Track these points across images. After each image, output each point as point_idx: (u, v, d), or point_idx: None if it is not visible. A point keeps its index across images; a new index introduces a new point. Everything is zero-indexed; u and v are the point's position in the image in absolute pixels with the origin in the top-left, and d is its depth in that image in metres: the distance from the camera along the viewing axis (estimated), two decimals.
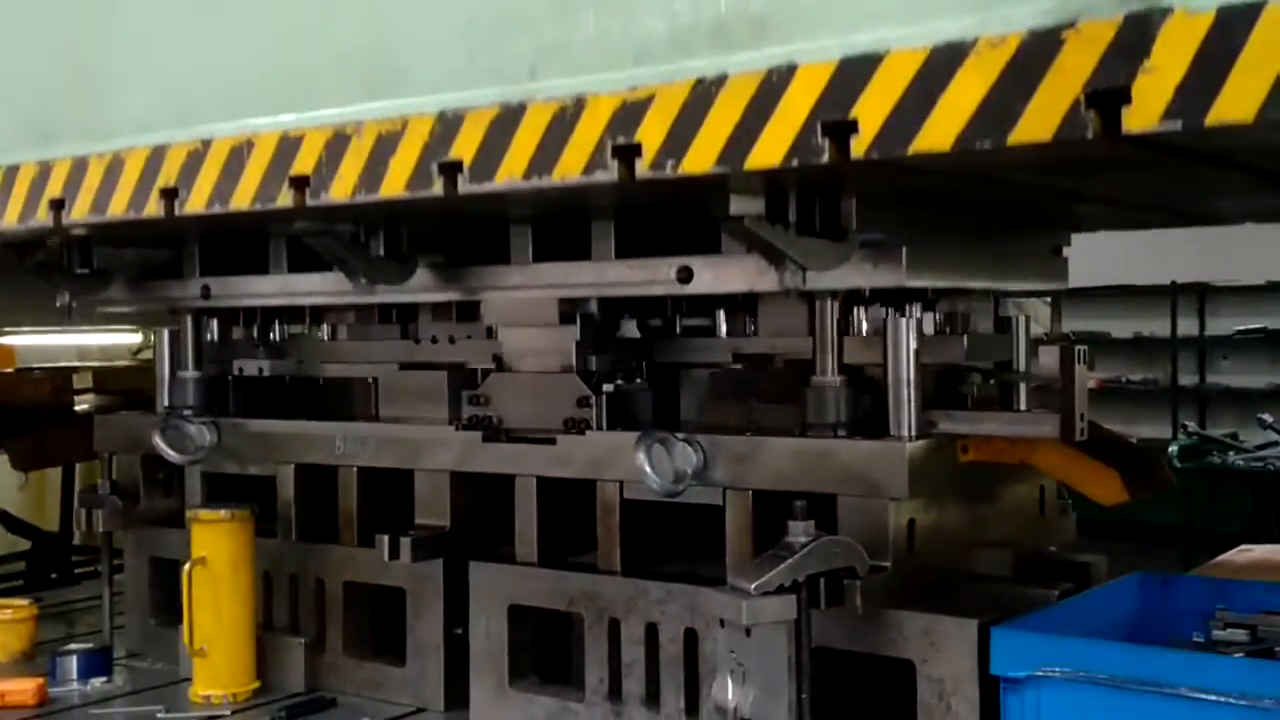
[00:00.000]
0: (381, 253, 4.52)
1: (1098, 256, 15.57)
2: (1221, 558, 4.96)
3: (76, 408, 7.05)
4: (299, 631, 5.11)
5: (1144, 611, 3.97)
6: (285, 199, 3.87)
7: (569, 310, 4.58)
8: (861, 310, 4.44)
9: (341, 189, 3.75)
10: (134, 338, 8.73)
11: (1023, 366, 4.52)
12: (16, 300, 6.41)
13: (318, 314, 5.59)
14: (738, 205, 3.50)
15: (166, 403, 5.50)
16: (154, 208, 4.17)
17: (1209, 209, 4.68)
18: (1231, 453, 10.34)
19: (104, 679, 5.14)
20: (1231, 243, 14.52)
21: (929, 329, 4.41)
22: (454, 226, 4.72)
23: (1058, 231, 4.77)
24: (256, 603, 5.02)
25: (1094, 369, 15.26)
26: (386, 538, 4.58)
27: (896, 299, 4.17)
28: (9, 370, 7.58)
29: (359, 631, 5.04)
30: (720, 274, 4.09)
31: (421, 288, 4.70)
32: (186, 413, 5.26)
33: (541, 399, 4.56)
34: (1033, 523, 4.48)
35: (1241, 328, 14.68)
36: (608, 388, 4.44)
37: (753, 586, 3.38)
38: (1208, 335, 15.13)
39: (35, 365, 7.79)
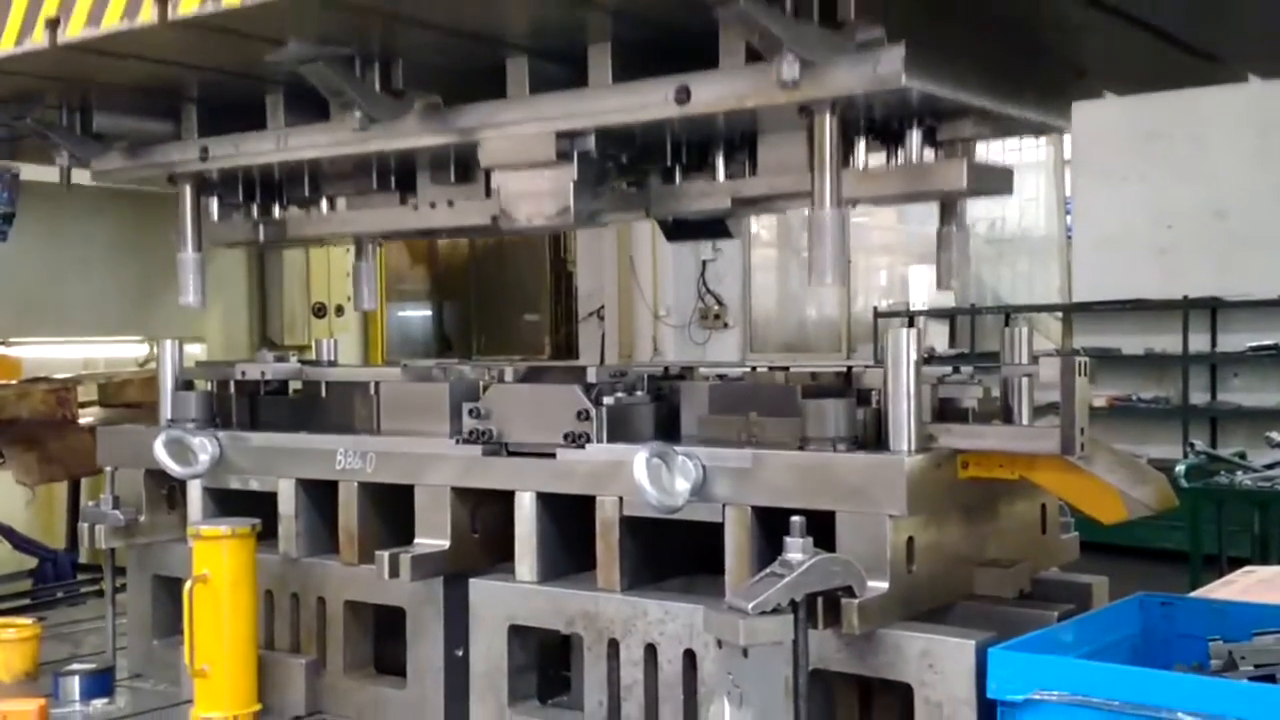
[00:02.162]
0: (376, 87, 4.47)
1: (1109, 271, 15.58)
2: (1225, 579, 4.93)
3: (81, 420, 7.04)
4: (300, 651, 5.10)
5: (1145, 634, 3.94)
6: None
7: (566, 148, 4.44)
8: (861, 142, 4.40)
9: None
10: (140, 349, 8.74)
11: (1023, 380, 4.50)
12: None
13: (317, 185, 5.55)
14: None
15: (169, 415, 5.50)
16: (148, 13, 4.06)
17: (1221, 41, 4.48)
18: (1240, 472, 10.26)
19: (106, 700, 5.14)
20: (1244, 257, 14.55)
21: (929, 156, 4.36)
22: (451, 63, 4.60)
23: (1063, 68, 4.62)
24: (258, 622, 5.00)
25: (1105, 387, 15.20)
26: (386, 555, 4.57)
27: (896, 133, 4.17)
28: (13, 382, 7.57)
29: (360, 652, 5.03)
30: (719, 88, 3.99)
31: (417, 131, 4.62)
32: (189, 425, 5.26)
33: (542, 413, 4.55)
34: (1034, 542, 4.45)
35: (1254, 344, 14.61)
36: (608, 401, 4.43)
37: (750, 606, 3.36)
38: (1219, 351, 15.06)
39: (40, 376, 7.77)
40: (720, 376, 4.95)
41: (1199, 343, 15.08)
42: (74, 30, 4.32)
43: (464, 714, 4.61)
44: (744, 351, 18.54)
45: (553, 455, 4.44)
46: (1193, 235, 14.87)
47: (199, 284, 5.45)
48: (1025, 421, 4.25)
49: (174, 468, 5.16)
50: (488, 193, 4.75)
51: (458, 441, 4.69)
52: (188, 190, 5.49)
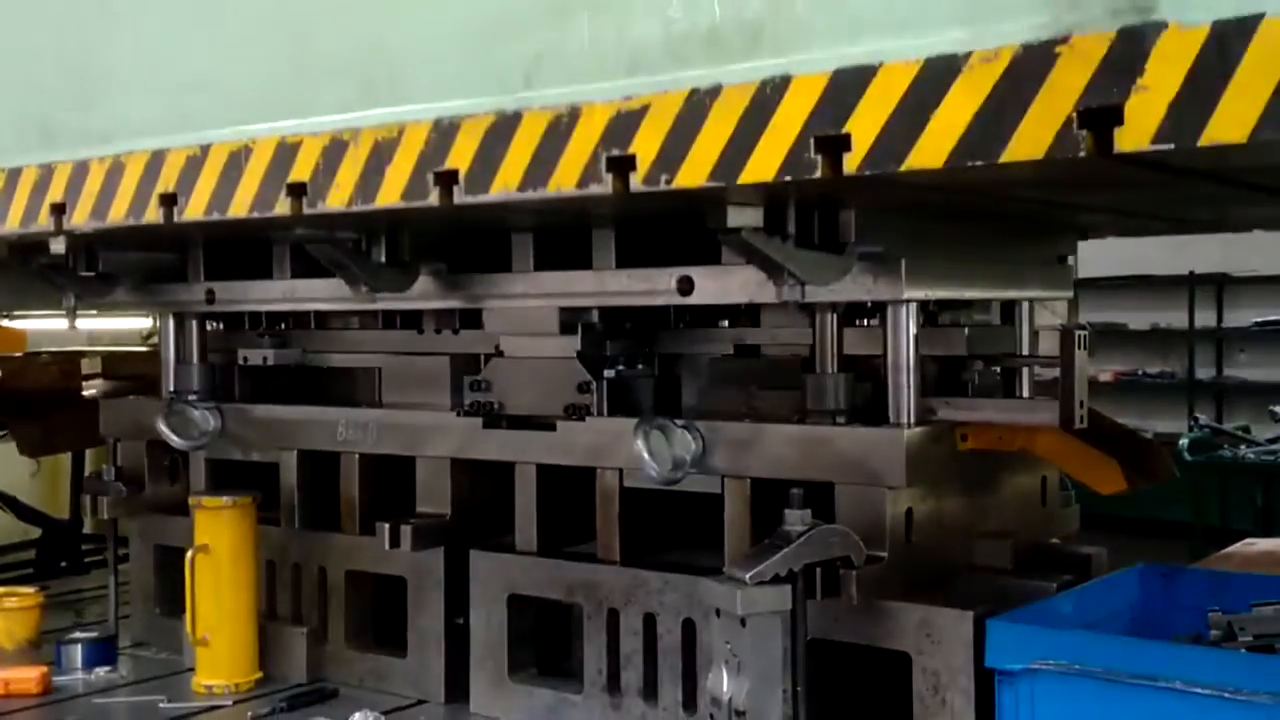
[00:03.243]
0: (383, 260, 4.51)
1: (1115, 247, 15.57)
2: (1227, 551, 4.93)
3: (85, 393, 7.04)
4: (301, 621, 5.12)
5: (1145, 605, 3.94)
6: (283, 206, 3.87)
7: (570, 320, 4.57)
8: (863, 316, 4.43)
9: (339, 197, 3.75)
10: (144, 322, 8.72)
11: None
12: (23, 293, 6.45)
13: (322, 316, 5.57)
14: (735, 217, 3.47)
15: (171, 388, 5.50)
16: (154, 214, 4.19)
17: (1217, 217, 4.64)
18: (1243, 446, 10.27)
19: (108, 668, 5.14)
20: (1250, 234, 14.51)
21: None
22: (456, 234, 4.72)
23: (1063, 239, 4.74)
24: (259, 591, 5.02)
25: (1111, 361, 15.20)
26: (387, 526, 4.58)
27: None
28: (18, 354, 7.57)
29: (361, 622, 5.05)
30: (721, 285, 4.07)
31: (423, 295, 4.70)
32: (191, 398, 5.27)
33: (543, 385, 4.55)
34: (1034, 513, 4.45)
35: (1260, 319, 14.60)
36: (609, 374, 4.43)
37: (748, 576, 3.37)
38: (1225, 327, 15.06)
39: (44, 350, 7.77)
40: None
41: (1205, 318, 15.07)
42: (79, 219, 4.43)
43: (464, 683, 4.63)
44: None
45: (553, 427, 4.44)
46: None
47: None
48: (1025, 394, 4.26)
49: (176, 440, 5.17)
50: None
51: (459, 414, 4.69)
52: (194, 325, 5.57)
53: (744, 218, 3.49)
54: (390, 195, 3.64)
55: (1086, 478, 3.94)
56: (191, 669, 4.98)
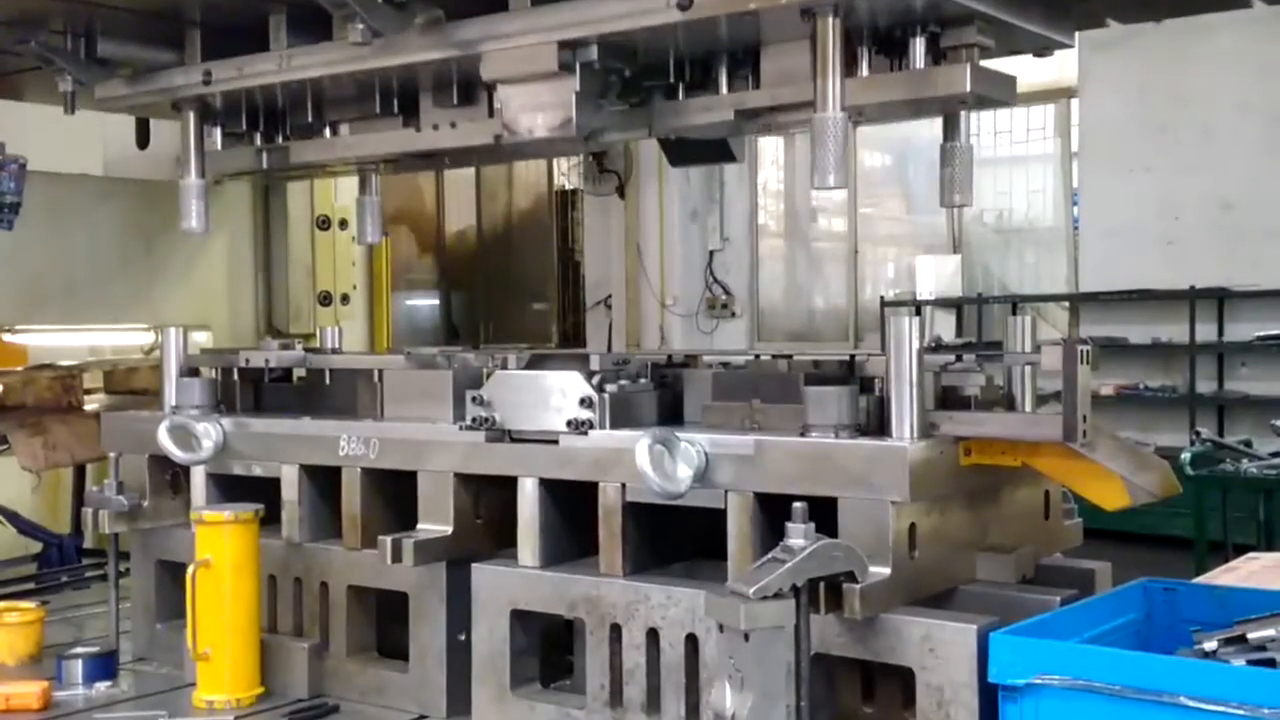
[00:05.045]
0: None
1: (1116, 262, 15.58)
2: (1229, 565, 4.92)
3: (86, 407, 7.05)
4: (303, 635, 5.11)
5: (1148, 619, 3.94)
6: None
7: (569, 59, 4.43)
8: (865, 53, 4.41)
9: None
10: (146, 336, 8.75)
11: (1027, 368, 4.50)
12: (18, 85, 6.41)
13: (320, 109, 5.54)
14: None
15: (173, 401, 5.50)
16: None
17: None
18: (1245, 460, 10.24)
19: (109, 683, 5.13)
20: (1251, 248, 14.52)
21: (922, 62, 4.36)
22: None
23: None
24: (260, 606, 5.01)
25: (1112, 375, 15.19)
26: (389, 540, 4.58)
27: (900, 43, 4.20)
28: (19, 369, 7.58)
29: (363, 636, 5.04)
30: None
31: (418, 46, 4.62)
32: (192, 411, 5.27)
33: (545, 399, 4.54)
34: (1037, 528, 4.44)
35: (1261, 333, 14.59)
36: (611, 388, 4.43)
37: (751, 591, 3.36)
38: (1226, 341, 15.04)
39: (45, 363, 7.78)
40: (724, 364, 4.95)
41: (1206, 332, 15.05)
42: None
43: (466, 698, 4.62)
44: (751, 341, 18.55)
45: (555, 442, 4.44)
46: (1200, 226, 14.85)
47: (202, 210, 5.50)
48: (1028, 409, 4.26)
49: (177, 453, 5.17)
50: (491, 113, 4.79)
51: (461, 428, 4.69)
52: (191, 116, 5.50)
53: None
54: None
55: (1090, 492, 3.94)
56: (193, 684, 4.95)
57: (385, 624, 5.05)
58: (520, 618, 4.51)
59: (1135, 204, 15.18)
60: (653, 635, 4.17)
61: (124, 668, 5.35)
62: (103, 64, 5.39)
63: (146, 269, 10.59)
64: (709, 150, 5.26)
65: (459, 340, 20.36)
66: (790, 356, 4.77)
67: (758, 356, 5.08)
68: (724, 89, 4.69)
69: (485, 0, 4.54)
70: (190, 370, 5.63)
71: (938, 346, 4.56)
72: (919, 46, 4.30)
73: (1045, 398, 4.28)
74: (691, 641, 4.08)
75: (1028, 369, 4.12)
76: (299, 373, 5.81)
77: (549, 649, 4.64)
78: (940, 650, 3.62)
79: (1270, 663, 3.38)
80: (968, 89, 4.23)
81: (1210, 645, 3.49)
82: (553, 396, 4.50)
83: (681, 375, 4.72)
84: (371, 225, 5.94)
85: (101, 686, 5.09)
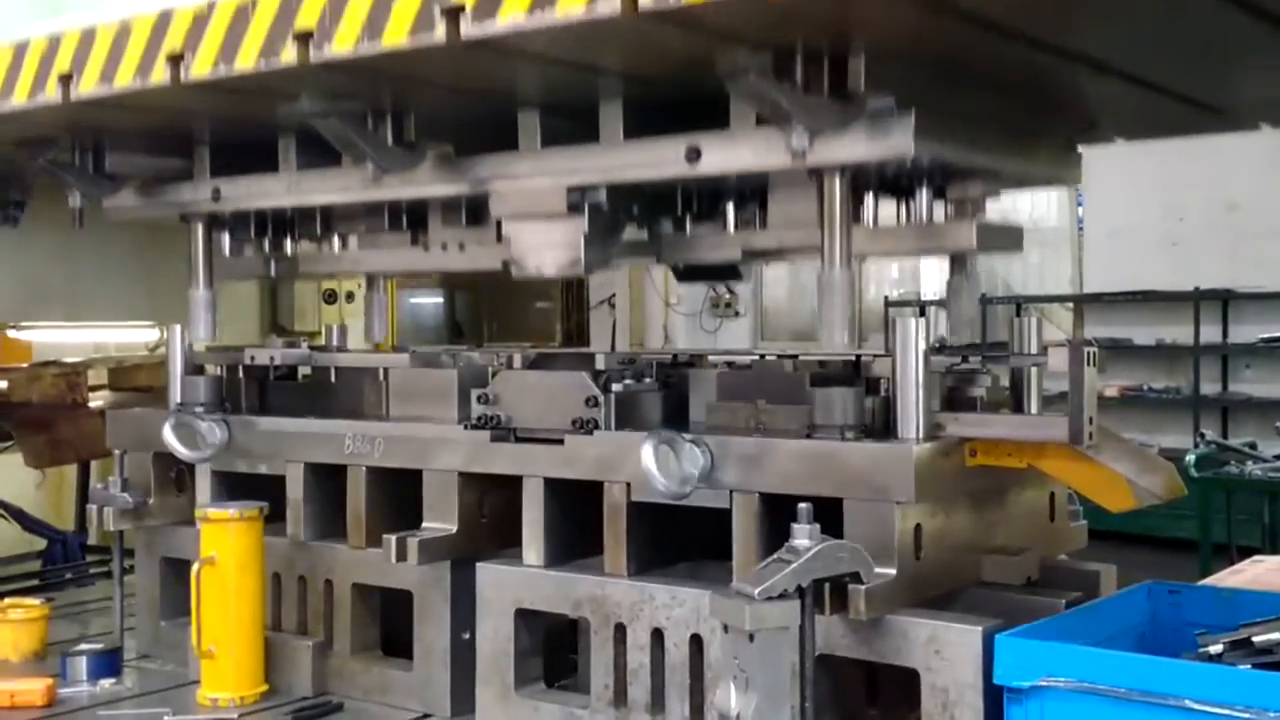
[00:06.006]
0: (389, 140, 4.48)
1: (1120, 263, 15.56)
2: (1234, 568, 4.92)
3: (91, 404, 7.04)
4: (307, 634, 5.11)
5: (1153, 621, 3.94)
6: (289, 54, 3.78)
7: (577, 200, 4.43)
8: (870, 199, 4.42)
9: (345, 39, 3.66)
10: (151, 334, 8.74)
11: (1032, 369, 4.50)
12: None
13: (329, 224, 5.55)
14: (744, 58, 3.44)
15: (178, 399, 5.50)
16: (160, 74, 4.10)
17: (1230, 98, 4.52)
18: (1249, 462, 10.25)
19: (113, 680, 5.14)
20: (1256, 249, 14.51)
21: (939, 216, 4.41)
22: (462, 115, 4.60)
23: (1073, 122, 4.65)
24: (265, 604, 5.01)
25: (1116, 376, 15.19)
26: (394, 539, 4.58)
27: (906, 188, 4.16)
28: (23, 366, 7.58)
29: (367, 635, 5.04)
30: (729, 151, 3.99)
31: (429, 180, 4.63)
32: (198, 409, 5.27)
33: (550, 398, 4.54)
34: (1043, 530, 4.44)
35: (1266, 335, 14.60)
36: (616, 388, 4.43)
37: (756, 591, 3.36)
38: (1231, 343, 15.06)
39: (50, 360, 7.77)
40: (729, 364, 4.94)
41: (1210, 334, 15.07)
42: (86, 86, 4.34)
43: (470, 697, 4.62)
44: (755, 340, 18.54)
45: (561, 441, 4.44)
46: (1204, 227, 14.85)
47: (210, 321, 5.51)
48: (1034, 410, 4.25)
49: (182, 451, 5.17)
50: (499, 237, 4.79)
51: (466, 427, 4.68)
52: (199, 229, 5.52)
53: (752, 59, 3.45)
54: (397, 33, 3.55)
55: (1096, 495, 3.93)
56: (197, 681, 4.96)
57: (389, 623, 5.05)
58: (525, 617, 4.51)
59: (1140, 205, 15.18)
60: (657, 635, 4.17)
61: (128, 665, 5.35)
62: (110, 178, 5.41)
63: (151, 266, 10.57)
64: (717, 271, 5.29)
65: (463, 338, 20.37)
66: (796, 356, 4.77)
67: (763, 356, 5.08)
68: (731, 227, 4.73)
69: (494, 136, 4.55)
70: (195, 368, 5.64)
71: (943, 347, 4.53)
72: (925, 196, 4.33)
73: (1050, 399, 4.28)
74: (696, 642, 4.08)
75: (1034, 370, 4.12)
76: (304, 371, 5.81)
77: (553, 648, 4.64)
78: (945, 652, 3.62)
79: (1276, 666, 3.38)
80: (973, 245, 4.31)
81: (1216, 648, 3.49)
82: (558, 396, 4.50)
83: (687, 375, 4.72)
84: (378, 324, 5.93)
85: (106, 683, 5.10)
